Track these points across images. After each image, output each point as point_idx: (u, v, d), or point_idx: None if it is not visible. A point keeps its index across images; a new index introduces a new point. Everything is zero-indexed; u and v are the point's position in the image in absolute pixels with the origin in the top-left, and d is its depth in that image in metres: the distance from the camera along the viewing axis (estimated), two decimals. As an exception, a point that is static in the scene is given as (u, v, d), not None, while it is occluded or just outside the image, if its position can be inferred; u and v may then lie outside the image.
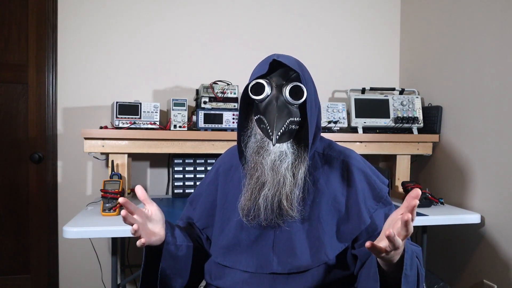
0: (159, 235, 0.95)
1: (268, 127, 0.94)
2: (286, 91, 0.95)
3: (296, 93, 0.95)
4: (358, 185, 1.02)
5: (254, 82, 0.95)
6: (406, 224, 0.72)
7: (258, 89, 0.95)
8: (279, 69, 0.98)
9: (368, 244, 0.72)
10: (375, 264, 0.84)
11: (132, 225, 0.85)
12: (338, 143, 1.14)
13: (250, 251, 1.00)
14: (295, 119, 0.97)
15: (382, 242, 0.76)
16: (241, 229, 1.01)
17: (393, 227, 0.76)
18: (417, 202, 0.73)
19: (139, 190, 0.93)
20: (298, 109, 0.98)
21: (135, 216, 0.89)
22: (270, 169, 0.95)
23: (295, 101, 0.95)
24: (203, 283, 1.14)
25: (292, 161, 0.96)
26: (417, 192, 0.74)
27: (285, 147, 0.96)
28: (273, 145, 0.93)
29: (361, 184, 1.02)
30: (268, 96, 0.96)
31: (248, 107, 1.03)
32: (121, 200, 0.86)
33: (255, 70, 1.00)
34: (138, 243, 0.86)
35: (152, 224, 0.94)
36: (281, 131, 0.93)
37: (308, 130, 0.96)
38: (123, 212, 0.84)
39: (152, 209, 0.95)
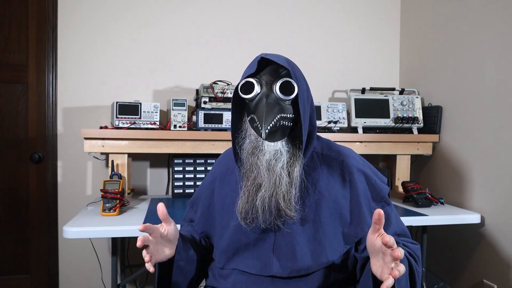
0: (169, 252, 0.97)
1: (258, 123, 0.93)
2: (276, 87, 0.93)
3: (286, 88, 0.93)
4: (359, 186, 1.01)
5: (243, 81, 0.94)
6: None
7: (248, 88, 0.94)
8: (269, 67, 0.96)
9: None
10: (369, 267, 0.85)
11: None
12: (338, 143, 1.13)
13: (250, 253, 1.00)
14: (288, 115, 0.95)
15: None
16: (241, 232, 1.00)
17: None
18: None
19: (160, 208, 0.93)
20: (290, 106, 0.96)
21: (150, 238, 0.90)
22: (266, 170, 0.93)
23: (285, 96, 0.93)
24: (203, 283, 1.14)
25: (287, 159, 0.94)
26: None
27: (280, 145, 0.94)
28: (263, 138, 0.92)
29: (362, 185, 1.02)
30: (258, 94, 0.95)
31: (241, 109, 1.02)
32: (141, 227, 0.87)
33: (244, 71, 0.99)
34: (147, 265, 0.89)
35: (164, 242, 0.96)
36: (271, 125, 0.91)
37: (302, 127, 0.94)
38: (139, 243, 0.86)
39: (169, 229, 0.95)
